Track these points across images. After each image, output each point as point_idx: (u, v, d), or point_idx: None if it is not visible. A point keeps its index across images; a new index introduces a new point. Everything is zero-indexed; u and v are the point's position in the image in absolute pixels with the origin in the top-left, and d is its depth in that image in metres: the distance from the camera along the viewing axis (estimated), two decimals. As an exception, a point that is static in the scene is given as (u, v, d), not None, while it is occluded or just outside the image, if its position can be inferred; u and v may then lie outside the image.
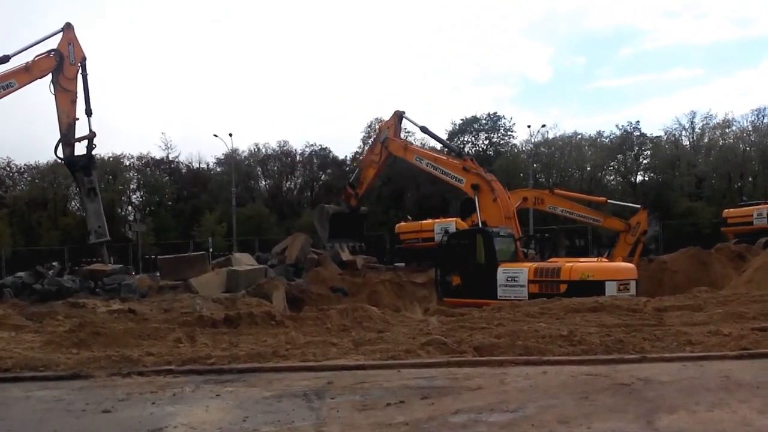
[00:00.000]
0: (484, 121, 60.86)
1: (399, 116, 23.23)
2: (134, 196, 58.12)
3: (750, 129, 54.70)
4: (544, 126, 57.05)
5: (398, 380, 6.23)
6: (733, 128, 55.44)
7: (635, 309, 10.16)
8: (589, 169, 55.35)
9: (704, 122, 55.97)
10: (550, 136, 57.58)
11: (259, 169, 61.03)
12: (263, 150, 60.94)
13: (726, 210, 30.66)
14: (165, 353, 7.76)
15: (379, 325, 9.63)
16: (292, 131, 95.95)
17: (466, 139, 61.48)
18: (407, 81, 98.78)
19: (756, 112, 54.85)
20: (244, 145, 63.06)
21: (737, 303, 10.43)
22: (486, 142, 61.23)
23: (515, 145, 59.74)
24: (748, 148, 53.43)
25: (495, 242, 16.52)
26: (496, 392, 5.66)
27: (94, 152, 21.72)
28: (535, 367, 6.56)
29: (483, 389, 5.76)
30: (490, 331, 8.52)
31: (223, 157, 57.53)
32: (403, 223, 27.59)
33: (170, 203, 56.34)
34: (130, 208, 57.57)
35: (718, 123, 55.69)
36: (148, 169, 57.63)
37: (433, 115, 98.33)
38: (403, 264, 26.19)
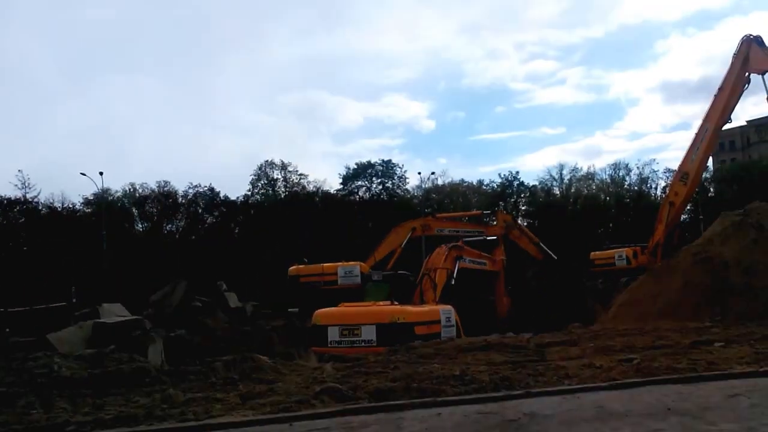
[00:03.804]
0: (378, 168, 62.66)
1: None
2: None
3: (609, 181, 61.60)
4: (433, 173, 60.39)
5: (290, 434, 5.96)
6: (595, 180, 62.29)
7: (520, 346, 10.72)
8: (475, 213, 58.62)
9: (571, 174, 62.51)
10: (440, 182, 60.82)
11: (135, 210, 57.38)
12: (140, 190, 57.52)
13: (592, 253, 33.55)
14: (12, 422, 6.78)
15: (270, 375, 9.15)
16: (174, 172, 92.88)
17: (360, 183, 62.77)
18: (295, 126, 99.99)
19: (613, 167, 62.46)
20: (117, 185, 59.12)
21: (606, 337, 11.33)
22: (380, 187, 62.86)
23: (407, 190, 62.05)
24: (607, 198, 59.73)
25: (365, 287, 16.70)
26: (392, 438, 5.64)
27: None
28: (430, 410, 6.59)
29: (379, 435, 5.72)
30: (386, 374, 8.48)
31: (92, 198, 53.44)
32: (300, 266, 27.02)
33: (25, 248, 50.34)
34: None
35: (582, 175, 62.41)
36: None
37: (320, 162, 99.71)
38: (296, 309, 25.53)
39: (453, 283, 19.68)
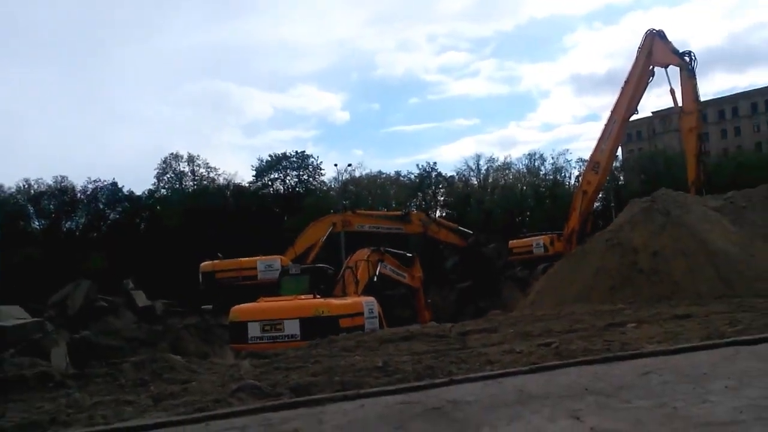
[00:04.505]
0: (293, 159, 61.53)
1: None
2: None
3: (525, 171, 63.78)
4: (350, 165, 59.96)
5: (206, 435, 5.65)
6: (512, 170, 64.35)
7: (442, 335, 10.74)
8: (394, 205, 58.89)
9: (488, 164, 64.18)
10: (357, 174, 60.55)
11: (30, 207, 53.67)
12: (35, 186, 53.99)
13: (511, 241, 34.57)
14: None
15: (184, 375, 8.75)
16: (73, 166, 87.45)
17: (274, 176, 61.40)
18: (200, 118, 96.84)
19: (528, 157, 64.68)
20: (11, 181, 55.31)
21: (525, 323, 11.62)
22: (295, 179, 61.85)
23: (324, 182, 61.43)
24: (524, 188, 61.92)
25: (281, 281, 16.23)
26: (314, 433, 5.41)
27: None
28: (352, 402, 6.44)
29: (300, 431, 5.48)
30: (306, 369, 8.26)
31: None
32: (215, 262, 25.97)
33: None
34: None
35: (499, 165, 64.27)
36: None
37: (230, 154, 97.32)
38: (210, 306, 24.57)
39: (375, 280, 19.62)
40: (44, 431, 6.15)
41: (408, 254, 24.35)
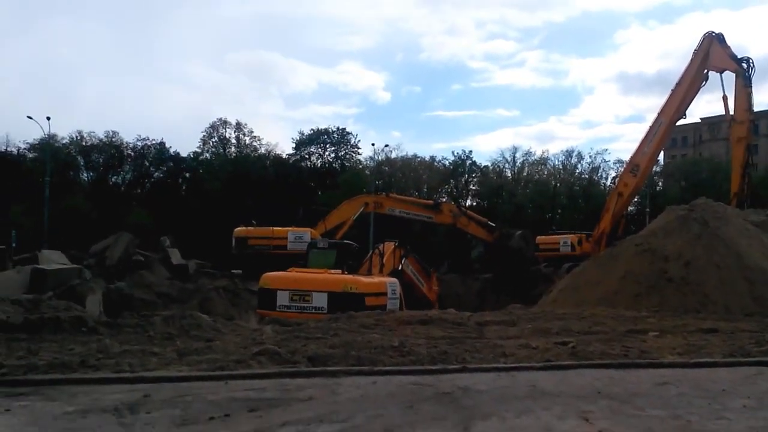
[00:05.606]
0: (334, 135, 61.78)
1: None
2: None
3: (561, 168, 62.62)
4: (387, 146, 59.82)
5: (225, 392, 5.90)
6: (548, 166, 63.14)
7: (459, 323, 10.80)
8: (426, 190, 58.69)
9: (524, 158, 63.09)
10: (393, 156, 60.42)
11: (81, 159, 55.19)
12: (87, 139, 55.34)
13: (539, 237, 34.23)
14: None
15: (209, 333, 9.08)
16: (122, 121, 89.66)
17: (312, 149, 61.79)
18: (245, 86, 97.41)
19: (566, 154, 63.34)
20: (64, 132, 56.74)
21: (544, 320, 11.55)
22: (332, 155, 62.14)
23: (360, 160, 61.54)
24: (558, 184, 60.81)
25: (309, 253, 16.43)
26: (327, 403, 5.60)
27: None
28: (366, 377, 6.60)
29: (314, 400, 5.67)
30: (325, 341, 8.45)
31: (37, 143, 51.01)
32: (250, 228, 26.52)
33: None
34: None
35: (535, 160, 63.09)
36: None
37: (270, 124, 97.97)
38: (240, 270, 25.18)
39: (400, 269, 19.74)
40: (73, 372, 6.47)
41: (428, 267, 23.87)
